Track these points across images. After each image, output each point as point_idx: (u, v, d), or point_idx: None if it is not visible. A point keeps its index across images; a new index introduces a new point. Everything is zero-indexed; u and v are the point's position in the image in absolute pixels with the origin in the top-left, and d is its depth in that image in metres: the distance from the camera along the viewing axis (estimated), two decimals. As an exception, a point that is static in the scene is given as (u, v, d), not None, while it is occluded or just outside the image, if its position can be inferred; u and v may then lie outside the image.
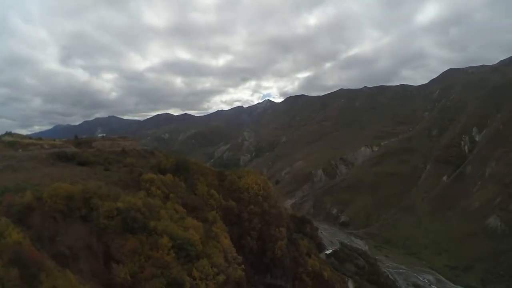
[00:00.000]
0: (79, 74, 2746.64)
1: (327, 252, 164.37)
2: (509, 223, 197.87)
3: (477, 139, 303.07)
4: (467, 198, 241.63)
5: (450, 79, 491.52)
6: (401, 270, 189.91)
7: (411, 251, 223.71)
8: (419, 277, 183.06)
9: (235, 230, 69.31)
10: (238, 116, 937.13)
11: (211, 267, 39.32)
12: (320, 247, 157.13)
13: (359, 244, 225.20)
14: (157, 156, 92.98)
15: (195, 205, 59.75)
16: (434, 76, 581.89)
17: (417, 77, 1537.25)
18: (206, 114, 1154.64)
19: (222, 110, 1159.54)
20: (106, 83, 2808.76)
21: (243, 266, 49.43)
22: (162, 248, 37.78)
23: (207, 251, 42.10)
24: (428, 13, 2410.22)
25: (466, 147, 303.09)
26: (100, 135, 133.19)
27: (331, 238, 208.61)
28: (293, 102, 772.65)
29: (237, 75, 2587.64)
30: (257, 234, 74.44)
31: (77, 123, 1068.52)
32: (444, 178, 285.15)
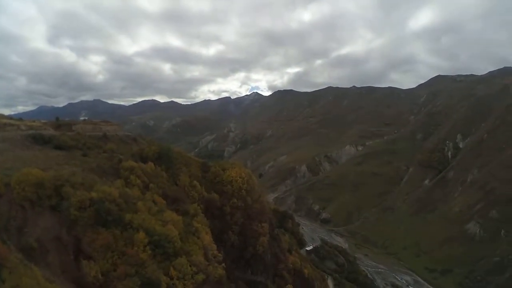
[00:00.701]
0: (66, 55, 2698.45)
1: (308, 248, 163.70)
2: (488, 230, 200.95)
3: (460, 146, 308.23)
4: (447, 203, 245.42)
5: (438, 85, 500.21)
6: (379, 270, 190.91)
7: (390, 251, 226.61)
8: (397, 277, 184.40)
9: (217, 224, 66.95)
10: (225, 107, 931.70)
11: (190, 266, 36.58)
12: (301, 243, 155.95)
13: (340, 241, 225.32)
14: (140, 143, 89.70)
15: (176, 197, 57.07)
16: (421, 81, 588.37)
17: (406, 81, 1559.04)
18: (193, 103, 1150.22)
19: (209, 99, 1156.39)
20: (94, 66, 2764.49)
21: (223, 264, 47.01)
22: (137, 244, 35.06)
23: (186, 248, 39.40)
24: (421, 20, 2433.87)
25: (449, 153, 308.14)
26: (82, 118, 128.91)
27: (312, 234, 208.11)
28: (281, 96, 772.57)
29: (227, 65, 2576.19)
30: (239, 229, 72.14)
31: (61, 105, 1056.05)
32: (426, 181, 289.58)
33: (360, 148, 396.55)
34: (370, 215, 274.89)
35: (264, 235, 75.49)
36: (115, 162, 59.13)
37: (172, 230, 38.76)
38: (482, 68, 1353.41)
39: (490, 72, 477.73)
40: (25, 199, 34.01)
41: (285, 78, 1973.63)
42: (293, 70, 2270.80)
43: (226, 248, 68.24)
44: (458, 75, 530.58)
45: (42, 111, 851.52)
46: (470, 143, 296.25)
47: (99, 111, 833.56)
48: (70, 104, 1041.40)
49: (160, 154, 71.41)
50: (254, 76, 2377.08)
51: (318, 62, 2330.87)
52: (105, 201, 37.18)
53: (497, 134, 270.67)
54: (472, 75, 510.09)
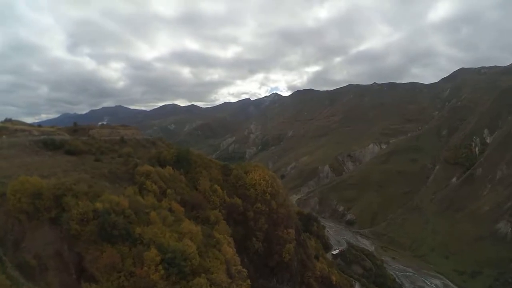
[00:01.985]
0: (86, 62, 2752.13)
1: (334, 252, 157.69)
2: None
3: (488, 141, 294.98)
4: (476, 201, 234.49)
5: (461, 79, 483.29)
6: (407, 273, 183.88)
7: (418, 254, 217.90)
8: (426, 281, 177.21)
9: (240, 230, 62.61)
10: (245, 108, 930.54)
11: (210, 286, 31.71)
12: (327, 247, 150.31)
13: (366, 244, 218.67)
14: (159, 147, 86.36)
15: (195, 203, 52.79)
16: (443, 75, 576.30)
17: (426, 75, 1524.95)
18: (213, 105, 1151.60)
19: (229, 102, 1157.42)
20: (114, 72, 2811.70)
21: (248, 281, 42.14)
22: (148, 263, 30.31)
23: (205, 264, 34.37)
24: (440, 11, 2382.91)
25: (476, 149, 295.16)
26: (100, 123, 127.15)
27: (337, 237, 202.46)
28: (301, 96, 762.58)
29: (245, 67, 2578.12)
30: (264, 235, 67.69)
31: (83, 112, 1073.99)
32: (454, 179, 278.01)
33: (383, 146, 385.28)
34: (396, 215, 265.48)
35: (291, 242, 70.77)
36: (131, 167, 55.38)
37: (189, 245, 33.77)
38: (504, 58, 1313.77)
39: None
40: (21, 211, 29.97)
41: (304, 78, 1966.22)
42: (312, 69, 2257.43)
43: (249, 256, 64.40)
44: (482, 67, 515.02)
45: (65, 118, 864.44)
46: (498, 137, 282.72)
47: (121, 116, 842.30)
48: (92, 111, 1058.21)
49: (178, 158, 67.73)
50: (272, 76, 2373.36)
51: (337, 59, 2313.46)
52: (111, 212, 32.87)
53: None
54: (495, 66, 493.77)
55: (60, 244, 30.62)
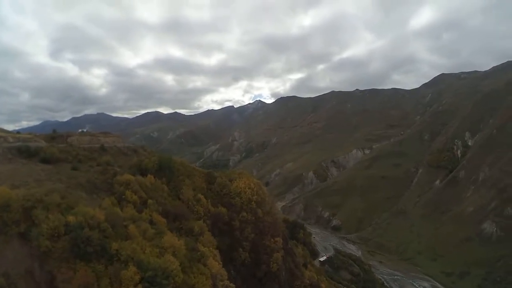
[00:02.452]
0: (69, 69, 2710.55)
1: (321, 259, 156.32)
2: (505, 229, 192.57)
3: (470, 143, 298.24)
4: (460, 203, 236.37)
5: (442, 84, 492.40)
6: (396, 277, 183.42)
7: (405, 257, 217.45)
8: (415, 284, 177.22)
9: (225, 240, 60.12)
10: (229, 116, 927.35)
11: (195, 304, 29.31)
12: (314, 254, 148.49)
13: (352, 249, 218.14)
14: (140, 155, 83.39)
15: (178, 213, 50.14)
16: (424, 81, 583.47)
17: (408, 81, 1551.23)
18: (196, 113, 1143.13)
19: (212, 109, 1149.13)
20: (96, 79, 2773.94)
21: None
22: (126, 282, 27.68)
23: (190, 281, 31.81)
24: (422, 18, 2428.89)
25: (458, 152, 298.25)
26: (80, 130, 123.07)
27: (324, 243, 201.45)
28: (285, 103, 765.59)
29: (229, 74, 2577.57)
30: (250, 245, 65.29)
31: (65, 120, 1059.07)
32: (437, 182, 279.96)
33: (367, 151, 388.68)
34: (381, 220, 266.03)
35: (278, 251, 68.48)
36: (109, 176, 52.57)
37: (172, 261, 31.13)
38: (484, 63, 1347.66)
39: (494, 67, 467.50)
40: (-14, 225, 27.13)
41: (288, 85, 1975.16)
42: (295, 76, 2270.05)
43: (236, 267, 61.96)
44: (462, 72, 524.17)
45: (46, 125, 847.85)
46: (479, 140, 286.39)
47: (103, 124, 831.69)
48: (74, 118, 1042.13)
49: (160, 166, 65.00)
50: (256, 84, 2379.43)
51: (320, 66, 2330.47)
52: (84, 226, 30.01)
53: (506, 130, 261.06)
54: (476, 71, 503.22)
55: (30, 261, 27.68)
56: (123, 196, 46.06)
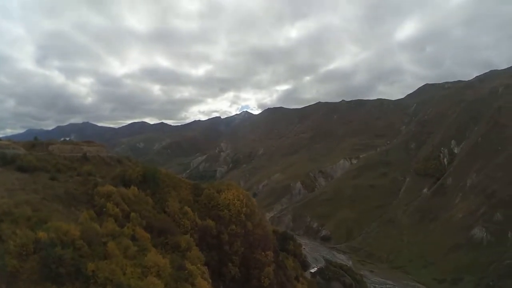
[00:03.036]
0: (55, 76, 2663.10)
1: (312, 270, 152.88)
2: (494, 234, 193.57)
3: (456, 151, 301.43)
4: (449, 210, 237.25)
5: (426, 94, 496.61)
6: (388, 286, 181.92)
7: (396, 265, 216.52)
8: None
9: (214, 255, 57.17)
10: (215, 126, 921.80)
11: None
12: (304, 265, 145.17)
13: (343, 259, 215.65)
14: (124, 165, 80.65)
15: (163, 227, 47.01)
16: (409, 91, 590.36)
17: (393, 92, 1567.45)
18: (182, 124, 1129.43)
19: (199, 120, 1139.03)
20: (82, 87, 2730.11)
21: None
22: (103, 309, 24.36)
23: (176, 304, 29.19)
24: (406, 31, 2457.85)
25: (445, 160, 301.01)
26: (63, 139, 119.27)
27: (314, 254, 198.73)
28: (271, 114, 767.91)
29: (216, 85, 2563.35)
30: (240, 260, 62.41)
31: (50, 128, 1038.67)
32: (425, 190, 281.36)
33: (354, 161, 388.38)
34: (370, 229, 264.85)
35: (269, 265, 65.65)
36: (90, 187, 49.55)
37: (155, 283, 27.74)
38: (467, 73, 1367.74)
39: (477, 76, 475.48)
40: None
41: (274, 96, 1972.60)
42: (282, 87, 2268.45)
43: (225, 283, 59.17)
44: (446, 82, 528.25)
45: (30, 133, 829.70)
46: (465, 148, 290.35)
47: (88, 134, 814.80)
48: (59, 127, 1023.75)
49: (145, 177, 61.88)
50: (243, 95, 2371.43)
51: (307, 78, 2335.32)
52: (56, 244, 26.61)
53: (491, 137, 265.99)
54: (459, 81, 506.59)
55: (-3, 285, 24.57)
56: (104, 209, 42.99)
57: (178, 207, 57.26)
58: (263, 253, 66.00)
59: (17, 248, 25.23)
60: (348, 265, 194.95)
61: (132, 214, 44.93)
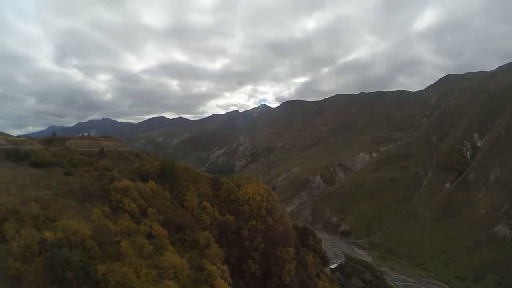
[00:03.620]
0: (74, 74, 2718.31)
1: (332, 266, 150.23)
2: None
3: (478, 144, 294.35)
4: (471, 206, 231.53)
5: (447, 85, 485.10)
6: (408, 283, 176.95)
7: (417, 262, 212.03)
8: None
9: (234, 252, 55.05)
10: (234, 120, 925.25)
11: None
12: (324, 261, 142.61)
13: (362, 255, 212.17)
14: (143, 159, 79.25)
15: (182, 223, 44.93)
16: (429, 83, 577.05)
17: (413, 83, 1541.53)
18: (201, 118, 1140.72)
19: (217, 114, 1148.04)
20: (101, 84, 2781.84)
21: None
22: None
23: (194, 308, 26.94)
24: (425, 20, 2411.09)
25: (468, 153, 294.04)
26: (81, 134, 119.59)
27: (333, 249, 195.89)
28: (289, 107, 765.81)
29: (233, 79, 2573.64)
30: (260, 256, 59.99)
31: (70, 125, 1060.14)
32: (447, 185, 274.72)
33: (374, 154, 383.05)
34: (391, 224, 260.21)
35: (291, 262, 63.14)
36: (106, 182, 47.79)
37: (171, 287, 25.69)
38: (489, 64, 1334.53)
39: (499, 67, 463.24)
40: None
41: (292, 89, 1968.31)
42: (300, 80, 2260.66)
43: (245, 280, 56.95)
44: (468, 73, 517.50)
45: (52, 131, 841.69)
46: (488, 141, 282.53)
47: (108, 130, 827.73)
48: (79, 124, 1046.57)
49: (163, 171, 60.10)
50: (261, 88, 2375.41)
51: (325, 70, 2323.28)
52: (64, 244, 24.55)
53: None
54: (481, 71, 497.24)
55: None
56: (120, 205, 41.18)
57: (197, 202, 55.30)
58: (284, 249, 63.58)
59: (21, 249, 23.24)
60: (368, 261, 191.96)
61: (150, 209, 43.10)
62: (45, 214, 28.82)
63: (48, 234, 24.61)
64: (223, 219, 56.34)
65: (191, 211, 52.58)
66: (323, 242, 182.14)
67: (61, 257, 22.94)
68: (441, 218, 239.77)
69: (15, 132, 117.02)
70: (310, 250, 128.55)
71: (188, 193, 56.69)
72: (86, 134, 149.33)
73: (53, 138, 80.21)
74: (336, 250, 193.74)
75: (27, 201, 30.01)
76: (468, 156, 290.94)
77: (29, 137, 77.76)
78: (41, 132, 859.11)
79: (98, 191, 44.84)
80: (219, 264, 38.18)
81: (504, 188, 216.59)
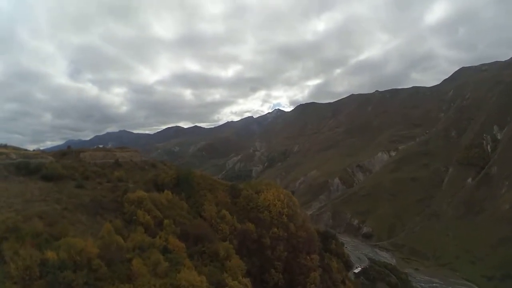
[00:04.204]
0: (89, 88, 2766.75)
1: (356, 270, 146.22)
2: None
3: (499, 137, 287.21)
4: (495, 201, 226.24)
5: (463, 78, 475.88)
6: (434, 285, 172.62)
7: (442, 262, 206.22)
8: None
9: (255, 261, 52.45)
10: (248, 126, 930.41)
11: None
12: (348, 265, 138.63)
13: (386, 257, 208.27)
14: (159, 169, 77.80)
15: (200, 234, 42.52)
16: (444, 77, 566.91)
17: (427, 78, 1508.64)
18: (216, 126, 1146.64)
19: (232, 121, 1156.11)
20: (116, 97, 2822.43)
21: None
22: None
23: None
24: (436, 13, 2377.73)
25: (488, 147, 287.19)
26: (95, 147, 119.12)
27: (356, 252, 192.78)
28: (303, 110, 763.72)
29: (246, 85, 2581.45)
30: (283, 265, 57.27)
31: (88, 138, 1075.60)
32: (469, 180, 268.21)
33: (392, 153, 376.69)
34: (414, 224, 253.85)
35: (315, 270, 60.29)
36: (119, 194, 45.92)
37: None
38: (503, 53, 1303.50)
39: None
40: None
41: (306, 92, 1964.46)
42: (313, 82, 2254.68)
43: (269, 291, 53.62)
44: (482, 64, 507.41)
45: (70, 144, 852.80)
46: (509, 133, 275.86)
47: (125, 141, 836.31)
48: (96, 137, 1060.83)
49: (179, 180, 58.32)
50: (274, 93, 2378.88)
51: (337, 71, 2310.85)
52: (67, 265, 22.24)
53: None
54: (496, 62, 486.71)
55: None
56: (134, 217, 39.07)
57: (215, 210, 53.08)
58: (308, 257, 60.72)
59: (20, 271, 20.99)
60: (392, 264, 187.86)
61: (165, 221, 41.00)
62: (49, 231, 26.68)
63: (50, 254, 22.41)
64: (243, 227, 53.91)
65: (209, 221, 50.39)
66: (345, 245, 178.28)
67: (64, 280, 20.62)
68: (465, 215, 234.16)
69: (33, 147, 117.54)
70: (333, 255, 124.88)
71: (206, 202, 54.63)
72: (102, 146, 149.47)
73: (67, 151, 79.57)
74: (359, 254, 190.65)
75: (30, 217, 28.11)
76: (489, 150, 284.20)
77: (42, 151, 76.93)
78: (58, 146, 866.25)
79: (111, 204, 43.05)
80: (240, 277, 35.58)
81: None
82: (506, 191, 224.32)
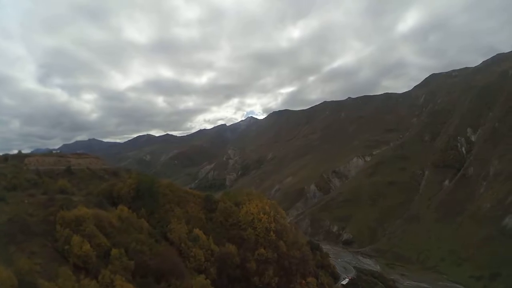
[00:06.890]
0: (58, 94, 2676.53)
1: (344, 282, 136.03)
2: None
3: (473, 139, 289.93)
4: (475, 201, 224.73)
5: (434, 84, 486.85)
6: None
7: (428, 266, 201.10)
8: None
9: (239, 292, 40.92)
10: (221, 134, 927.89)
11: None
12: (334, 277, 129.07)
13: (370, 264, 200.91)
14: (122, 178, 65.92)
15: (164, 268, 30.43)
16: (415, 83, 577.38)
17: (399, 85, 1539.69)
18: (188, 134, 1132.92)
19: (205, 129, 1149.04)
20: (86, 104, 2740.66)
21: None
22: None
23: None
24: (408, 22, 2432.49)
25: (463, 149, 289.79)
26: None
27: (339, 261, 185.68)
28: (277, 117, 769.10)
29: (221, 92, 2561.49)
30: (274, 293, 45.67)
31: (56, 147, 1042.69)
32: (446, 182, 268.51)
33: (367, 158, 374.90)
34: (395, 228, 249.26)
35: (312, 296, 49.04)
36: (53, 211, 33.56)
37: None
38: (473, 60, 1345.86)
39: (484, 61, 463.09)
40: None
41: (279, 99, 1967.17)
42: (287, 90, 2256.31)
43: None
44: (453, 70, 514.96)
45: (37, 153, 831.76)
46: (483, 134, 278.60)
47: (95, 150, 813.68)
48: (65, 145, 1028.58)
49: (139, 191, 45.93)
50: (248, 100, 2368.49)
51: (311, 78, 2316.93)
52: None
53: (509, 120, 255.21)
54: (466, 67, 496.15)
55: None
56: (67, 247, 26.99)
57: (185, 230, 41.28)
58: (303, 281, 49.51)
59: None
60: (377, 270, 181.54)
61: (113, 251, 28.87)
62: None
63: None
64: (222, 250, 42.18)
65: (177, 245, 38.42)
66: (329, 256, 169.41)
67: None
68: (446, 217, 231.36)
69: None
70: (318, 267, 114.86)
71: (173, 219, 42.57)
72: (50, 151, 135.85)
73: (9, 156, 68.88)
74: (343, 263, 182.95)
75: None
76: (464, 152, 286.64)
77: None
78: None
79: (38, 225, 30.85)
80: None
81: (506, 179, 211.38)
82: (485, 191, 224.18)
